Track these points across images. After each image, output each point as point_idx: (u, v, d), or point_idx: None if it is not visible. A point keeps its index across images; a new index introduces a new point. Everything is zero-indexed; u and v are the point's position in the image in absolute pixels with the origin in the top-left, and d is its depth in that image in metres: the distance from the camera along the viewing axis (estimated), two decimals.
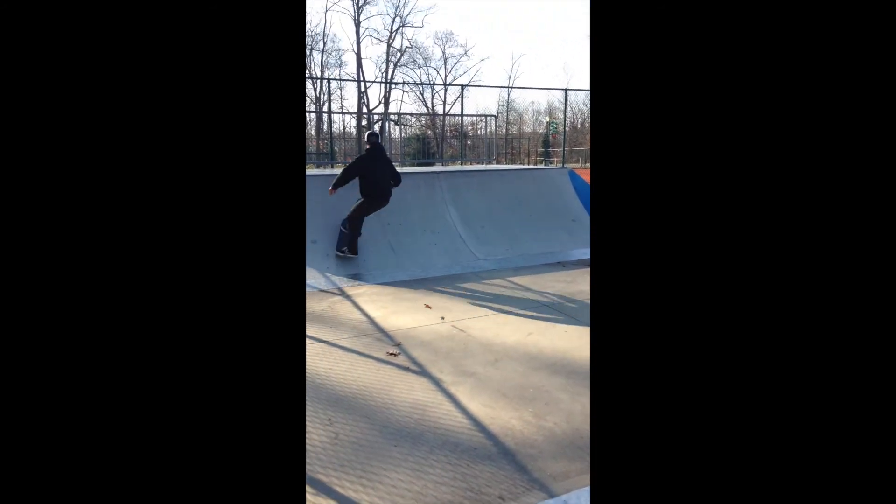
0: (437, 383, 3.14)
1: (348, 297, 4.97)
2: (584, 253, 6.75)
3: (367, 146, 5.85)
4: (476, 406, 2.85)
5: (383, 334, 3.98)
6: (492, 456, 2.40)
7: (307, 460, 2.31)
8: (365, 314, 4.48)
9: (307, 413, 2.70)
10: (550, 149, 22.65)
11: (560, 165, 10.21)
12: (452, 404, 2.88)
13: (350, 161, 6.35)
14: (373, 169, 5.72)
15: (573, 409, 2.80)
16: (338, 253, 5.89)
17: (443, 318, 4.30)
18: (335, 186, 5.74)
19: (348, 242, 5.87)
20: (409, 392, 3.02)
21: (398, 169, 6.36)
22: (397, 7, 38.07)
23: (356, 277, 5.59)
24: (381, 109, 28.94)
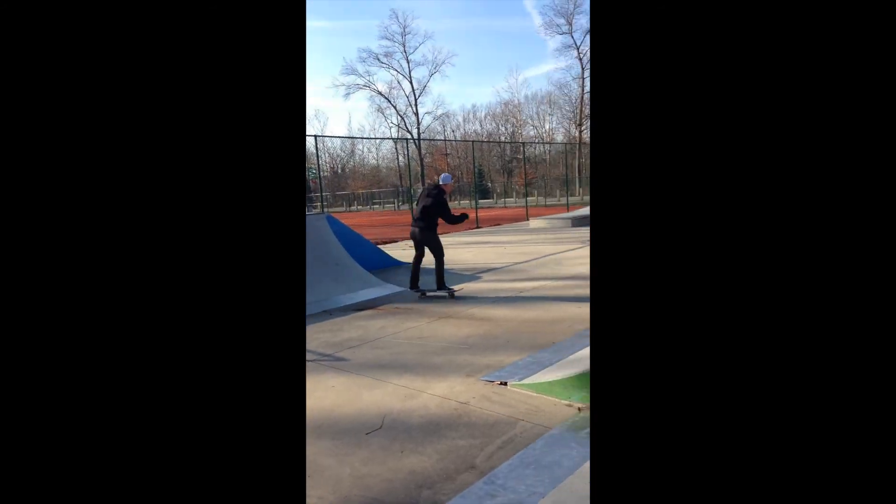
0: None
1: None
2: (352, 298, 6.64)
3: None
4: None
5: None
6: None
7: None
8: None
9: None
10: (313, 194, 22.42)
11: (320, 212, 10.10)
12: None
13: None
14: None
15: (341, 475, 2.58)
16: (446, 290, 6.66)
17: None
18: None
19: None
20: None
21: None
22: None
23: None
24: None
